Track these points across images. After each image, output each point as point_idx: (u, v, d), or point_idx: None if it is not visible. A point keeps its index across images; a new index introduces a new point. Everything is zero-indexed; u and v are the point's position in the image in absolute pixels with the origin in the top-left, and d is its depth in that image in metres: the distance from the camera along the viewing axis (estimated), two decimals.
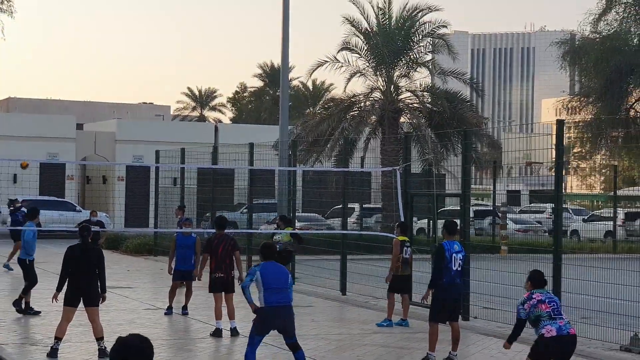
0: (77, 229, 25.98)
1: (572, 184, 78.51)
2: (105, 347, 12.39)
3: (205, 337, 14.84)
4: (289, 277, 11.30)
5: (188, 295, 17.53)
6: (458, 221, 16.75)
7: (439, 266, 13.06)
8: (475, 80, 47.23)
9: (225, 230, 15.65)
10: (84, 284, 12.64)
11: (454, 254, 13.19)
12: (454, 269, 13.13)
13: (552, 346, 9.68)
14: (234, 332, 14.77)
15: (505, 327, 15.99)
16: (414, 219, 32.91)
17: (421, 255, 19.98)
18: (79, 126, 53.09)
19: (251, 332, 11.24)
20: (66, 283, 12.76)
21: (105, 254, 13.76)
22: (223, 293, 15.16)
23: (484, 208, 42.44)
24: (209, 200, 29.74)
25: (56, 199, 42.28)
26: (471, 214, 37.30)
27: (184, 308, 17.37)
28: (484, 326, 16.40)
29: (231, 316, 15.02)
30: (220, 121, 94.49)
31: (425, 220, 29.69)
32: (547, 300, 9.90)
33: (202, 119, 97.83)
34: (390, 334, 15.62)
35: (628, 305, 14.63)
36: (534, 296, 9.93)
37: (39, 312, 16.64)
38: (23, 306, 16.83)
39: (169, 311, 17.35)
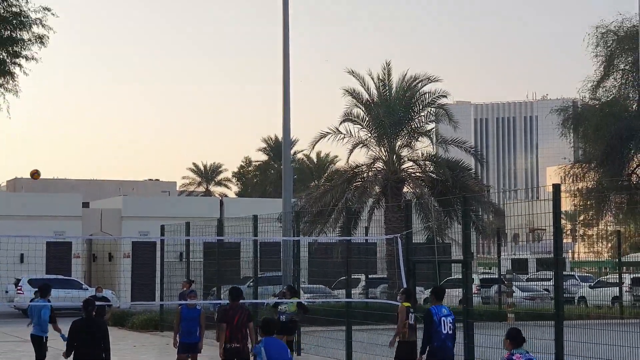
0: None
1: (580, 251, 78.32)
2: None
3: None
4: (288, 352, 11.76)
5: None
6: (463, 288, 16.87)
7: (429, 330, 13.33)
8: (477, 148, 47.58)
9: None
10: (86, 358, 12.79)
11: (442, 318, 13.44)
12: (444, 332, 13.34)
13: None
14: None
15: None
16: (421, 288, 33.16)
17: None
18: (85, 204, 53.42)
19: None
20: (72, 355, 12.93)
21: (111, 331, 13.89)
22: None
23: (490, 277, 42.44)
24: (215, 274, 29.85)
25: (63, 277, 42.36)
26: (477, 283, 37.54)
27: None
28: None
29: None
30: (225, 195, 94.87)
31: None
32: None
33: (207, 193, 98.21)
34: None
35: None
36: (514, 357, 10.11)
37: None
38: None
39: None
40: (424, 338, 13.32)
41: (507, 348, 10.56)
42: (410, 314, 16.74)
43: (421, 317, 19.25)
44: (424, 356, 13.29)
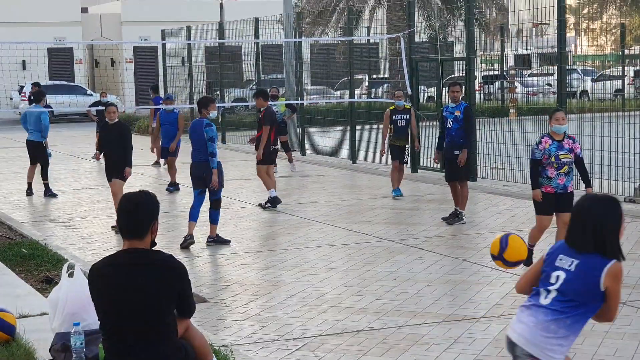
0: (87, 110, 26.25)
1: (582, 45, 77.99)
2: None
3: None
4: (204, 135, 11.67)
5: (172, 172, 17.31)
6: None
7: (472, 125, 13.44)
8: None
9: (231, 104, 15.79)
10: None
11: None
12: None
13: None
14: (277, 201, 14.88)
15: (512, 186, 16.36)
16: (424, 87, 33.24)
17: (430, 122, 20.36)
18: (84, 10, 52.77)
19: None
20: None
21: None
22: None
23: (493, 73, 42.40)
24: (217, 78, 29.88)
25: (66, 83, 42.49)
26: (480, 80, 37.58)
27: (172, 185, 17.17)
28: (492, 186, 16.73)
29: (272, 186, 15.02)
30: None
31: (434, 89, 29.84)
32: None
33: None
34: (399, 197, 15.94)
35: (633, 158, 14.89)
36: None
37: (56, 194, 17.03)
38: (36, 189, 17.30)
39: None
40: (468, 134, 13.25)
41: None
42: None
43: (423, 116, 19.46)
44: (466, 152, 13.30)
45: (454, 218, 13.09)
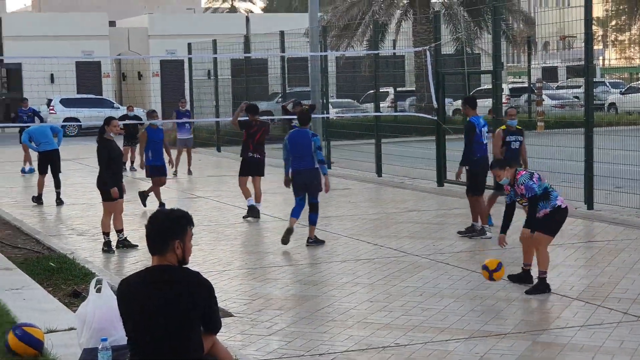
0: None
1: (610, 57, 77.62)
2: (125, 237, 12.78)
3: (237, 221, 15.20)
4: (312, 143, 12.69)
5: (156, 192, 16.69)
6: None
7: (471, 142, 13.19)
8: None
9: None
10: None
11: (482, 129, 13.38)
12: (485, 142, 13.36)
13: (564, 215, 10.02)
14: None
15: None
16: (450, 100, 33.21)
17: (457, 135, 20.25)
18: (112, 23, 53.17)
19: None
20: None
21: None
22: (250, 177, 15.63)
23: (520, 85, 42.28)
24: (243, 91, 29.97)
25: (94, 96, 42.79)
26: (507, 92, 37.49)
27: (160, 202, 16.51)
28: None
29: (258, 199, 15.44)
30: (251, 12, 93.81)
31: (460, 102, 29.83)
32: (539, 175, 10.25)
33: (233, 10, 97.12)
34: (426, 211, 15.91)
35: None
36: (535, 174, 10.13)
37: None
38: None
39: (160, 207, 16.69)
40: (466, 150, 13.25)
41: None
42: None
43: (450, 130, 19.39)
44: (465, 168, 13.31)
45: (471, 232, 13.11)
